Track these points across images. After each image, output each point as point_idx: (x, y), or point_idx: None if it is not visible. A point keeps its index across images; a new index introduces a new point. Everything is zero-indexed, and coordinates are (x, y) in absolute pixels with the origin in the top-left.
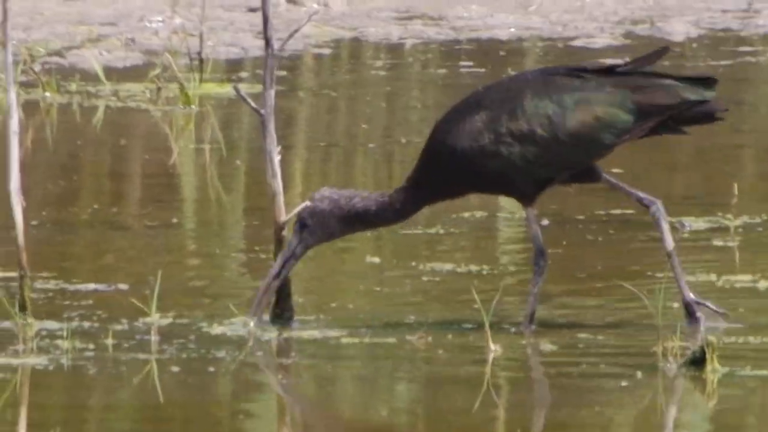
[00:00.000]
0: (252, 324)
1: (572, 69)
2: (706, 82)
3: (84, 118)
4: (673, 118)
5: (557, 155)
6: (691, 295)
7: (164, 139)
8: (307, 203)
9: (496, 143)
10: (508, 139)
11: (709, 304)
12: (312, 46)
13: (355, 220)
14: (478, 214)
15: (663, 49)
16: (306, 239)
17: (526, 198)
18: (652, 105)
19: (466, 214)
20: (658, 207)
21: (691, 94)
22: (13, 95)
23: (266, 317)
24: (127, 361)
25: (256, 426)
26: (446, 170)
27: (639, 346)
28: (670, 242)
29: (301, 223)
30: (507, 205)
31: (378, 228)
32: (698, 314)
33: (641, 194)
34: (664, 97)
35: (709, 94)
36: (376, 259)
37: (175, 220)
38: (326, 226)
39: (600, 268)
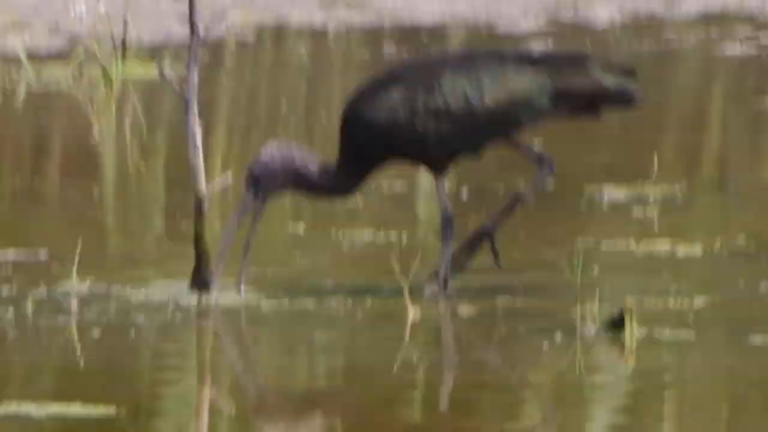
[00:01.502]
0: (241, 291)
1: (493, 51)
2: (627, 72)
3: (6, 102)
4: (590, 103)
5: (472, 132)
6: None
7: (86, 119)
8: (258, 161)
9: (411, 118)
10: (423, 114)
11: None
12: (235, 32)
13: (303, 183)
14: (398, 183)
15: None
16: (262, 195)
17: (437, 169)
18: (570, 90)
19: (385, 184)
20: (553, 167)
21: (610, 81)
22: None
23: (185, 283)
24: (47, 327)
25: (175, 392)
26: (366, 144)
27: (558, 310)
28: (528, 197)
29: (254, 179)
30: (426, 175)
31: (317, 198)
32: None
33: (539, 153)
34: (582, 82)
35: (628, 83)
36: (299, 228)
37: (96, 192)
38: (277, 183)
39: (520, 234)
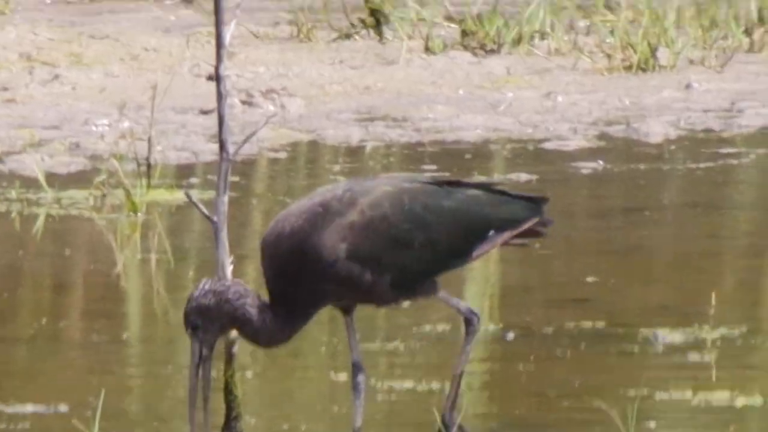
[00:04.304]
0: None
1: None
2: (540, 200)
3: (24, 227)
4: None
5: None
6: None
7: (109, 249)
8: (191, 302)
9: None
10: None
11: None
12: (267, 150)
13: (243, 327)
14: (440, 327)
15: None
16: (207, 339)
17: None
18: (508, 219)
19: (427, 327)
20: (476, 325)
21: (536, 211)
22: None
23: None
24: None
25: None
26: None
27: None
28: (462, 364)
29: (193, 326)
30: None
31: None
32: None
33: (462, 306)
34: (520, 211)
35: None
36: (342, 376)
37: (125, 336)
38: (216, 321)
39: (571, 384)
